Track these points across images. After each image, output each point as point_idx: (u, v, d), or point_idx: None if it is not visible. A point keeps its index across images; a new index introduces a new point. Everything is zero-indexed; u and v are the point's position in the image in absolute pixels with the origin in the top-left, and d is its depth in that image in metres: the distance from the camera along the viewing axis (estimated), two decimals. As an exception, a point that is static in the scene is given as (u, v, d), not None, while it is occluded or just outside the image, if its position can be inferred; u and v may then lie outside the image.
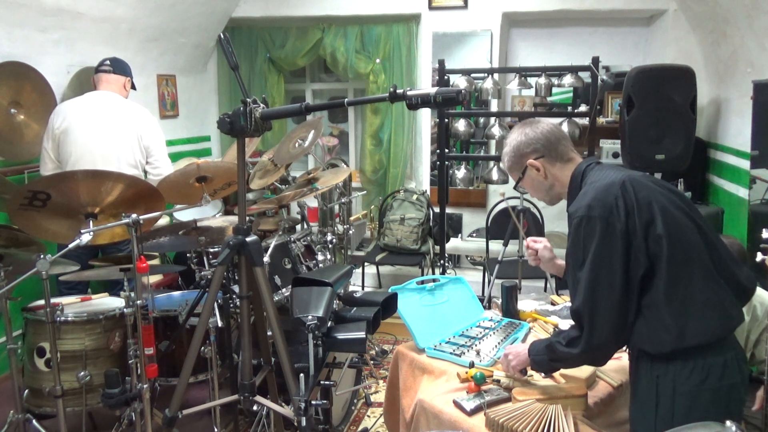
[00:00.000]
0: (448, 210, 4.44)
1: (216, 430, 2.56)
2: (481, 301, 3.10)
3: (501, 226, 4.15)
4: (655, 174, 3.48)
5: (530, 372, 1.93)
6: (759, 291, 2.29)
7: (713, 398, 1.48)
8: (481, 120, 5.15)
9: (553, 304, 2.57)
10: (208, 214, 3.88)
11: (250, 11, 5.14)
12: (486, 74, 4.06)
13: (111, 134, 3.05)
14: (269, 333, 1.98)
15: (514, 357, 1.83)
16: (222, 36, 1.81)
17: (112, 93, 3.14)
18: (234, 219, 3.27)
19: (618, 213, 1.51)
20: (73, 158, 2.98)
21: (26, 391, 2.52)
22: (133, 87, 3.34)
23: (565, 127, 3.75)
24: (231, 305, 2.60)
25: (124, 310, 2.25)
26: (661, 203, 1.54)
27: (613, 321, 1.52)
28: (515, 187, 1.85)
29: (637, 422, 1.62)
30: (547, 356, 1.69)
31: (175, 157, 4.73)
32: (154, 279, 3.70)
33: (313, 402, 1.80)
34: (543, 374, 1.86)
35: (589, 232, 1.53)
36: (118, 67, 3.19)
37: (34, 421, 2.43)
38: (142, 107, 3.27)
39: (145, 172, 3.23)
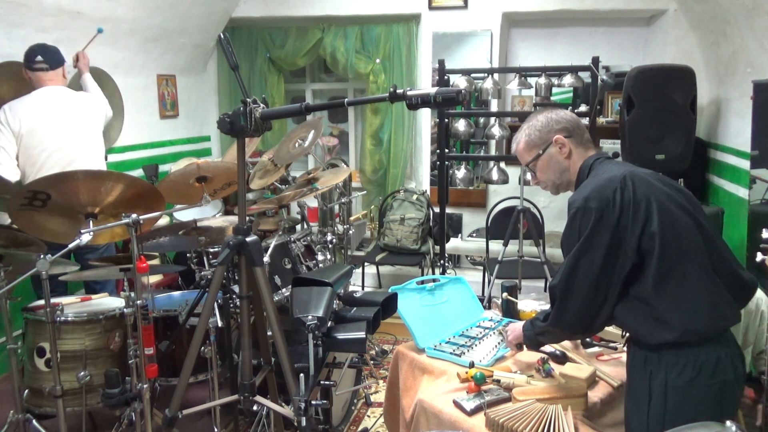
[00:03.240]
0: (448, 210, 4.45)
1: (216, 430, 2.56)
2: (481, 301, 3.10)
3: (501, 226, 4.15)
4: (655, 174, 3.48)
5: (530, 372, 1.98)
6: (762, 294, 2.29)
7: (705, 395, 1.50)
8: (481, 120, 5.15)
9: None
10: (208, 214, 3.88)
11: (250, 11, 5.14)
12: (486, 74, 4.05)
13: (78, 129, 3.06)
14: (269, 333, 1.98)
15: (511, 332, 1.97)
16: (222, 36, 1.81)
17: (61, 87, 3.10)
18: (234, 219, 3.26)
19: (613, 207, 1.55)
20: (44, 156, 2.96)
21: (26, 391, 2.52)
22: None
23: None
24: (231, 305, 2.60)
25: (124, 310, 2.25)
26: (660, 201, 1.56)
27: (582, 306, 1.58)
28: (527, 166, 1.84)
29: (631, 416, 1.64)
30: (533, 331, 1.80)
31: (175, 157, 4.76)
32: (154, 279, 3.69)
33: (313, 402, 1.80)
34: (533, 349, 1.94)
35: (583, 222, 1.58)
36: (54, 61, 3.09)
37: (34, 421, 2.43)
38: (91, 95, 3.34)
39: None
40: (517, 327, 1.93)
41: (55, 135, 2.98)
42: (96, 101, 3.29)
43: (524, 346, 1.94)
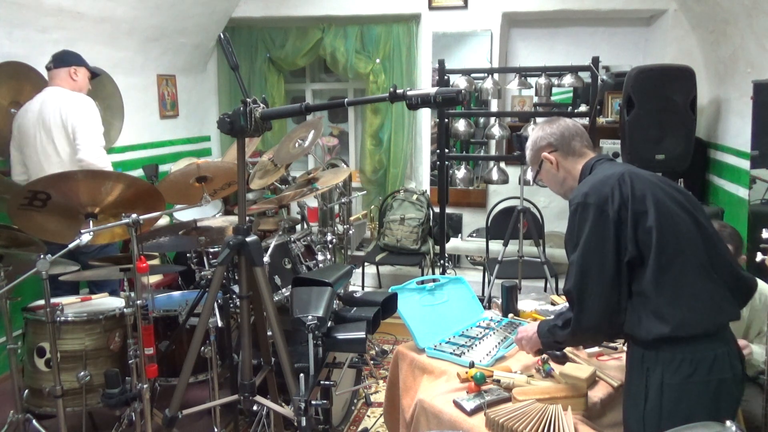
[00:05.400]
0: (448, 210, 4.44)
1: (216, 430, 2.56)
2: (481, 301, 3.10)
3: (501, 226, 4.15)
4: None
5: (530, 372, 1.99)
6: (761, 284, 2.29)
7: (701, 392, 1.50)
8: (481, 120, 5.15)
9: (553, 304, 2.57)
10: (208, 214, 3.88)
11: (250, 11, 5.14)
12: (486, 74, 4.05)
13: (48, 129, 2.96)
14: (269, 333, 1.98)
15: (526, 342, 1.90)
16: (222, 36, 1.81)
17: (56, 87, 3.06)
18: (234, 219, 3.27)
19: (612, 202, 1.57)
20: (33, 159, 2.95)
21: (26, 391, 2.52)
22: (93, 74, 3.23)
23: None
24: (231, 305, 2.60)
25: (124, 310, 2.25)
26: (657, 197, 1.59)
27: (603, 303, 1.56)
28: (534, 180, 1.97)
29: (628, 414, 1.65)
30: (552, 338, 1.75)
31: (175, 157, 4.76)
32: (154, 279, 3.69)
33: (313, 402, 1.80)
34: (557, 353, 1.95)
35: (583, 217, 1.59)
36: (59, 60, 3.09)
37: (34, 421, 2.43)
38: (79, 94, 3.07)
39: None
40: (529, 334, 1.87)
41: (37, 136, 2.95)
42: (73, 101, 3.00)
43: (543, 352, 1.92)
